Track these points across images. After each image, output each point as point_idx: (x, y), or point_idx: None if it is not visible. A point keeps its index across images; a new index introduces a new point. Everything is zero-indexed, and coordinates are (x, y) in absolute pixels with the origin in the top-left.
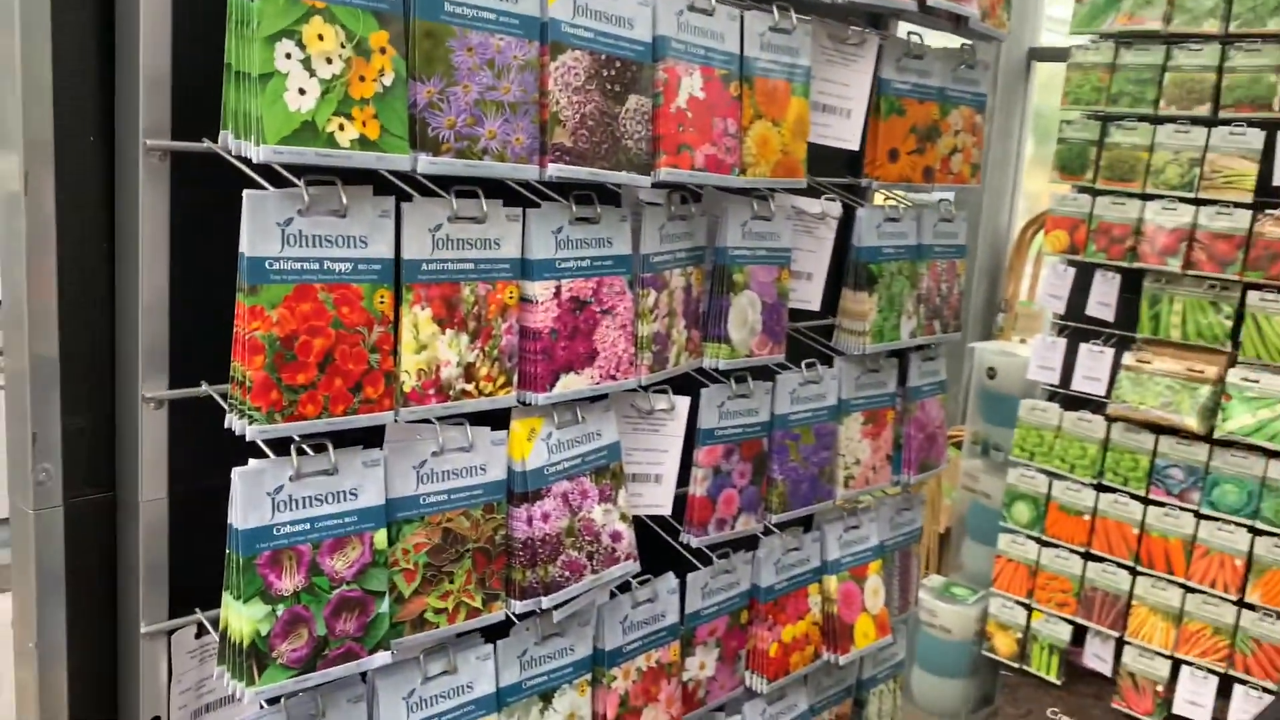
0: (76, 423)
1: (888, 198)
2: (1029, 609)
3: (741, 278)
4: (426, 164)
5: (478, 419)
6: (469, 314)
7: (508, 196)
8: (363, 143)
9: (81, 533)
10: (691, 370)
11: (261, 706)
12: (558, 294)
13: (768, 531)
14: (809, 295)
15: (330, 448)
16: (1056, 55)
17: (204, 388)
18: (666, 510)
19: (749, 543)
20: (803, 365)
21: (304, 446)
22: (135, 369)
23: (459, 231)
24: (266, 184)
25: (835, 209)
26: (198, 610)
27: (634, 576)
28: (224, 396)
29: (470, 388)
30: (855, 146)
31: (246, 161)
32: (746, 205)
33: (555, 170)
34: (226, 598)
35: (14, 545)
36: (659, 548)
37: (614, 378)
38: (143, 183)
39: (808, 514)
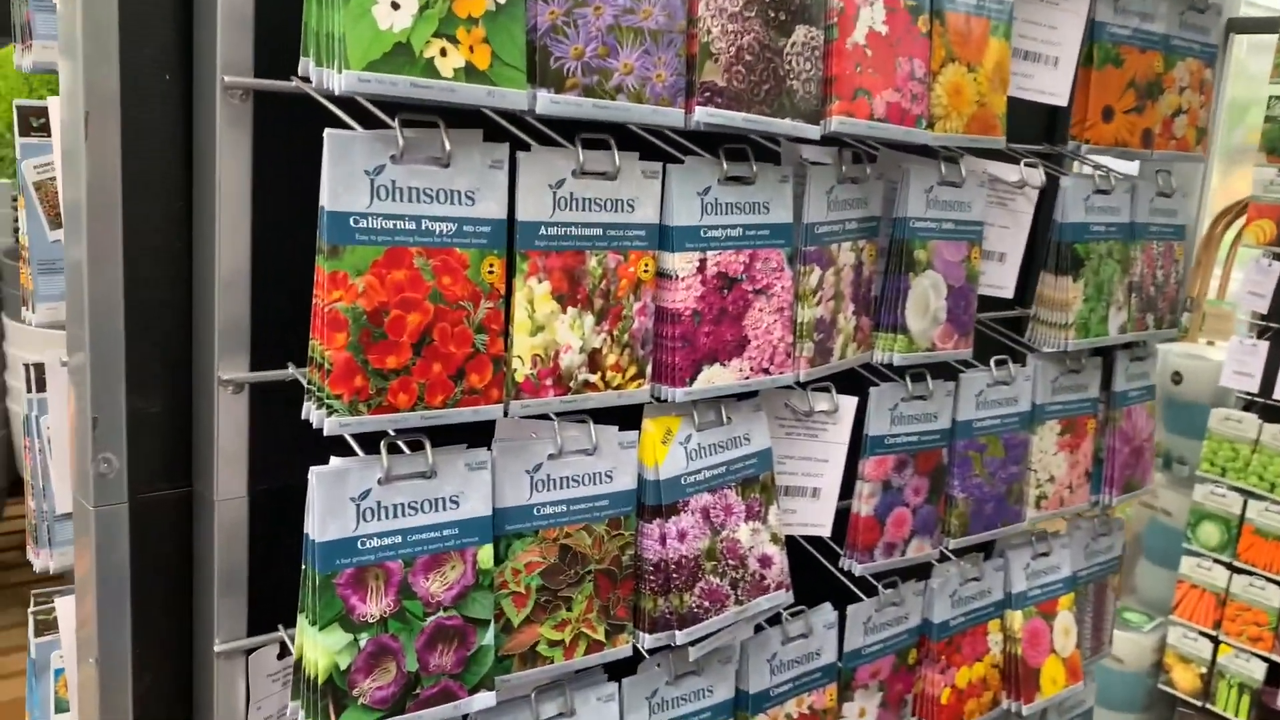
0: (146, 406)
1: (1096, 167)
2: (1215, 641)
3: (924, 255)
4: (547, 102)
5: (602, 416)
6: (595, 290)
7: (643, 148)
8: (469, 73)
9: (152, 534)
10: (859, 366)
11: None
12: (702, 268)
13: (943, 558)
14: (1002, 279)
15: (428, 446)
16: (1262, 26)
17: (290, 370)
18: (825, 531)
19: (920, 571)
20: (991, 363)
21: (399, 443)
22: (209, 348)
23: (586, 189)
24: (355, 125)
25: (1037, 177)
26: (280, 628)
27: (786, 608)
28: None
29: (595, 379)
30: (1064, 101)
31: (330, 96)
32: (933, 167)
33: (704, 115)
34: (301, 622)
35: (76, 546)
36: (814, 574)
37: (767, 371)
38: (220, 127)
39: (990, 539)
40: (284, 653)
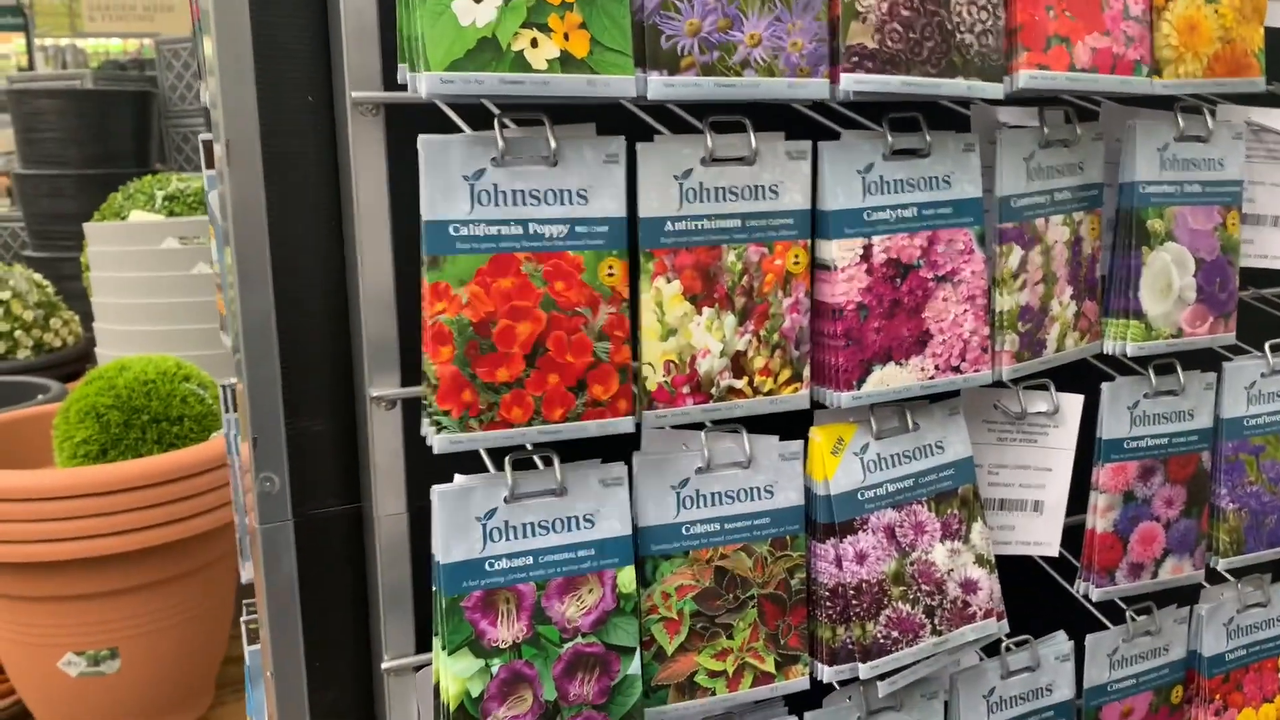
0: (310, 425)
1: None
2: None
3: (1160, 225)
4: (660, 86)
5: (760, 426)
6: (735, 287)
7: (788, 125)
8: (565, 62)
9: (324, 550)
10: (1089, 357)
11: None
12: (867, 256)
13: (1214, 579)
14: (1273, 248)
15: (556, 461)
16: None
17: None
18: (1052, 550)
19: (1185, 595)
20: (1266, 348)
21: (535, 459)
22: (361, 365)
23: (718, 178)
24: (466, 128)
25: None
26: None
27: (1007, 637)
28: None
29: (741, 384)
30: None
31: (452, 104)
32: (1167, 121)
33: (852, 83)
34: (435, 647)
35: (252, 563)
36: (1046, 600)
37: (957, 369)
38: (353, 144)
39: (1276, 558)
40: None
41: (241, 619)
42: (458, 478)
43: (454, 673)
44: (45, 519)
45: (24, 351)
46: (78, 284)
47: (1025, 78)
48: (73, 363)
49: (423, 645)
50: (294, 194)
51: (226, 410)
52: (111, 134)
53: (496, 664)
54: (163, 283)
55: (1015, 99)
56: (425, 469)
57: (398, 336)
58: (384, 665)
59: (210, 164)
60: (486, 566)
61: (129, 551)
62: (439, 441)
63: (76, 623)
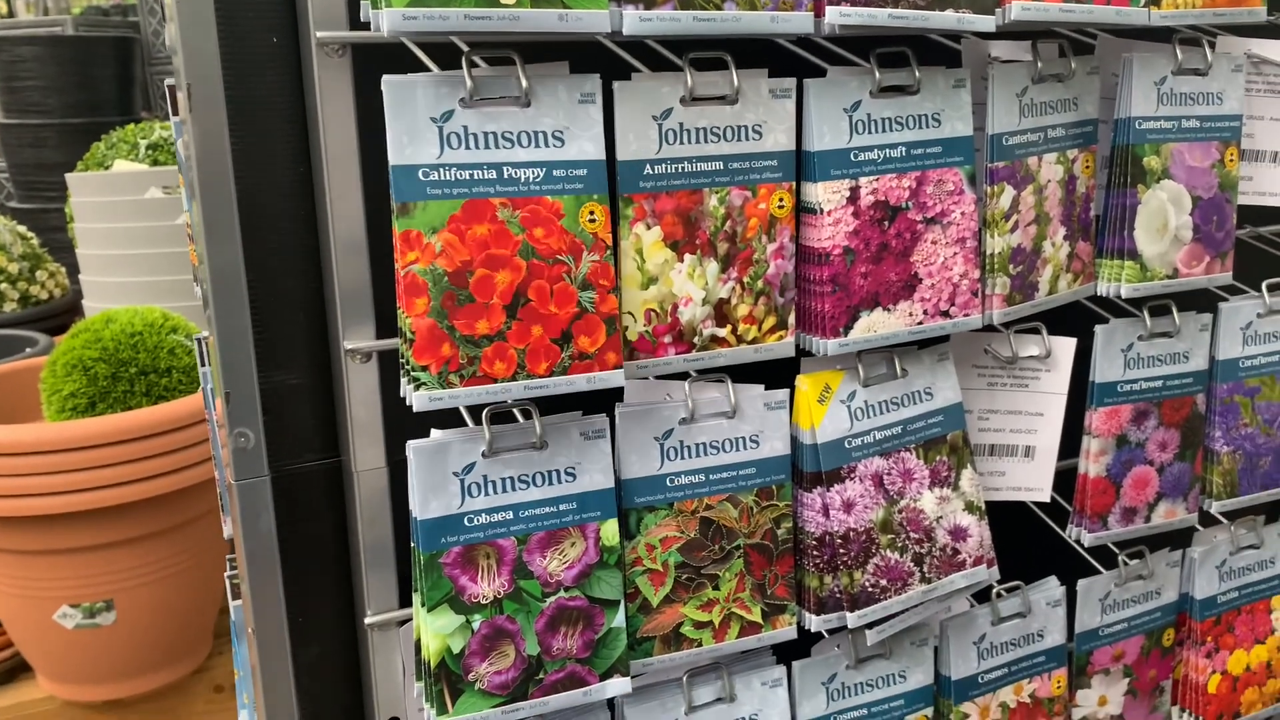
0: (286, 379)
1: None
2: None
3: (1156, 162)
4: (636, 21)
5: (743, 375)
6: (717, 232)
7: (772, 62)
8: None
9: (300, 505)
10: (1083, 299)
11: None
12: (854, 198)
13: (1206, 522)
14: (1272, 185)
15: (535, 413)
16: None
17: None
18: (1044, 495)
19: (1178, 539)
20: (1264, 288)
21: (514, 412)
22: (335, 317)
23: (699, 118)
24: (435, 67)
25: None
26: None
27: (998, 583)
28: None
29: (725, 333)
30: None
31: (420, 44)
32: (1164, 54)
33: (837, 17)
34: (415, 603)
35: (230, 519)
36: (1037, 546)
37: (946, 314)
38: (320, 86)
39: (1272, 500)
40: None
41: (225, 574)
42: (434, 432)
43: (434, 629)
44: (36, 473)
45: (10, 305)
46: (64, 235)
47: (1018, 9)
48: (60, 315)
49: (405, 600)
50: (261, 140)
51: (202, 364)
52: (94, 81)
53: (478, 619)
54: (147, 233)
55: (1007, 32)
56: (404, 422)
57: (371, 287)
58: (367, 621)
59: (176, 110)
60: (465, 522)
61: (121, 504)
62: (418, 399)
63: (71, 575)
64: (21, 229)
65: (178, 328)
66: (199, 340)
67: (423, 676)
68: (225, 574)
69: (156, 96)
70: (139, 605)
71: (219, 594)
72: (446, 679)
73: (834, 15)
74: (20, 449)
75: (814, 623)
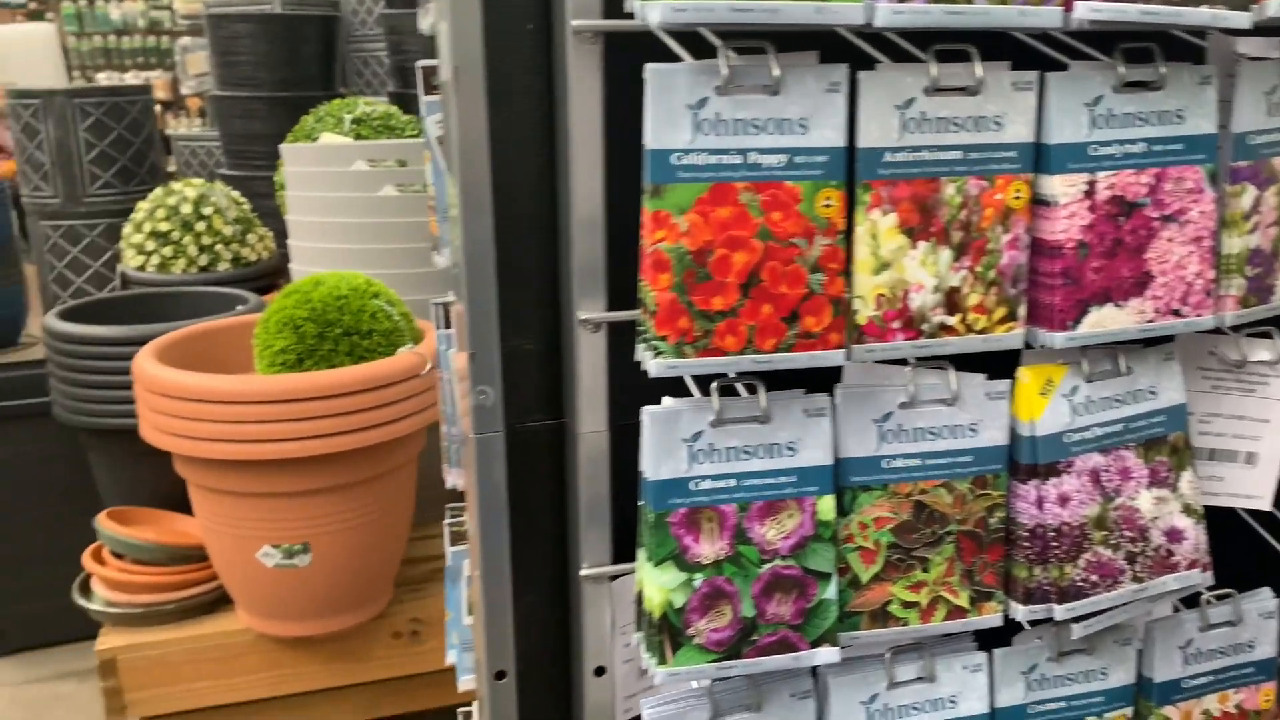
0: (522, 343)
1: None
2: None
3: None
4: (888, 14)
5: (966, 364)
6: (953, 221)
7: (1016, 55)
8: None
9: (527, 461)
10: None
11: (693, 685)
12: (1090, 192)
13: None
14: None
15: (761, 389)
16: None
17: (641, 311)
18: (1263, 503)
19: None
20: None
21: (737, 386)
22: (570, 288)
23: (940, 108)
24: (688, 56)
25: None
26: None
27: (1208, 590)
28: None
29: (954, 321)
30: None
31: (671, 32)
32: None
33: (1087, 12)
34: (640, 557)
35: (464, 469)
36: (1253, 554)
37: (1177, 313)
38: (571, 72)
39: None
40: None
41: (445, 522)
42: (665, 400)
43: (659, 583)
44: (247, 420)
45: (223, 264)
46: (269, 201)
47: (1276, 6)
48: (266, 276)
49: (618, 556)
50: (514, 122)
51: (438, 326)
52: (300, 58)
53: (699, 578)
54: (350, 203)
55: (1263, 28)
56: (627, 389)
57: (605, 262)
58: (582, 572)
59: (429, 90)
60: (691, 486)
61: (321, 455)
62: (655, 366)
63: (273, 518)
64: (235, 194)
65: (379, 293)
66: (438, 305)
67: (643, 628)
68: (445, 522)
69: (352, 73)
70: (332, 550)
71: (402, 546)
72: (668, 631)
73: (1084, 10)
74: (235, 398)
75: (1020, 613)
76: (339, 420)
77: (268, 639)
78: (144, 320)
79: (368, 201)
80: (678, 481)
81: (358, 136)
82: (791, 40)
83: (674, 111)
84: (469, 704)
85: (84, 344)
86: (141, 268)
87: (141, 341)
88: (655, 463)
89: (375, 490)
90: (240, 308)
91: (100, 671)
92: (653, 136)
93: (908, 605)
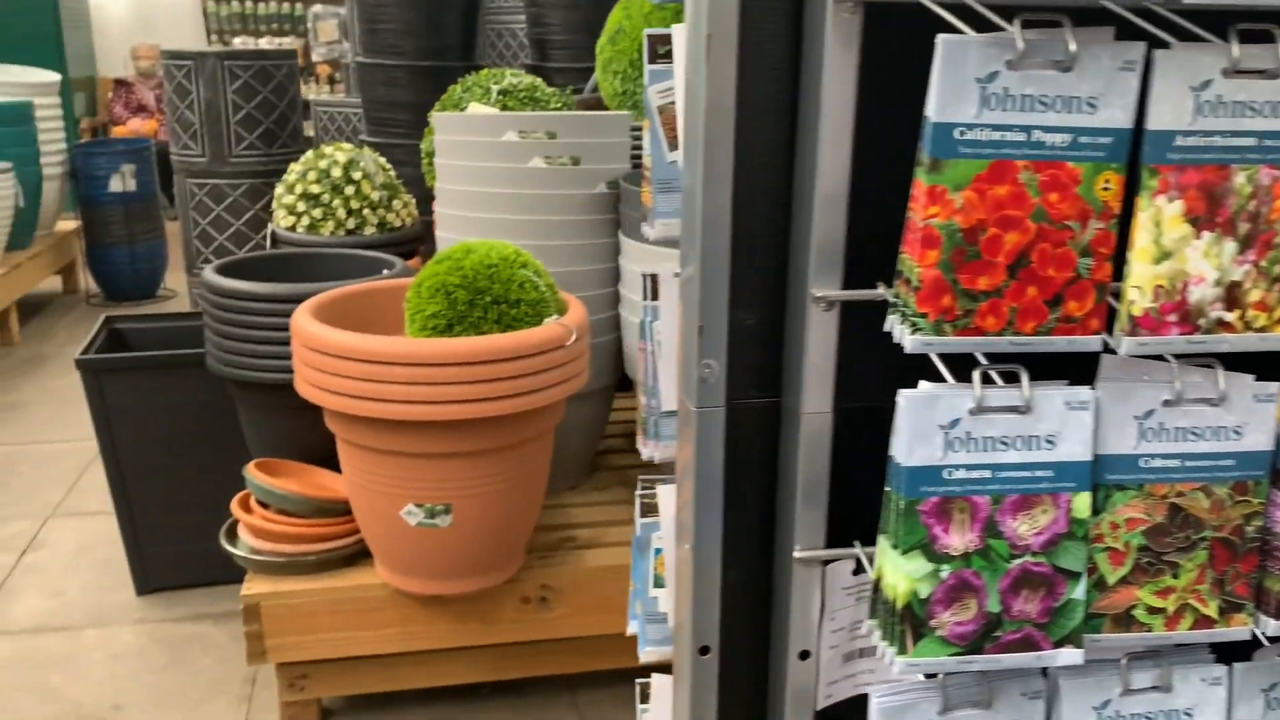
0: (745, 319)
1: None
2: None
3: None
4: None
5: (1233, 362)
6: (1240, 211)
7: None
8: None
9: (743, 438)
10: None
11: (923, 678)
12: None
13: None
14: None
15: (1024, 378)
16: None
17: (880, 290)
18: None
19: None
20: None
21: (991, 374)
22: (803, 264)
23: (1238, 91)
24: (968, 30)
25: None
26: (857, 544)
27: None
28: None
29: (1232, 317)
30: None
31: (944, 4)
32: None
33: None
34: (882, 543)
35: (679, 440)
36: None
37: None
38: (828, 43)
39: None
40: (859, 569)
41: (636, 493)
42: (922, 384)
43: (905, 572)
44: (400, 381)
45: (369, 229)
46: (408, 169)
47: None
48: (410, 242)
49: (833, 540)
50: (760, 92)
51: (645, 298)
52: (443, 28)
53: (946, 570)
54: (499, 173)
55: None
56: (853, 371)
57: (845, 238)
58: (795, 555)
59: (654, 59)
60: (945, 474)
61: (467, 419)
62: (912, 341)
63: (418, 478)
64: (382, 161)
65: (527, 263)
66: (647, 276)
67: (880, 615)
68: (637, 493)
69: (485, 45)
70: (473, 512)
71: (537, 512)
72: (910, 621)
73: None
74: (390, 359)
75: (1271, 627)
76: (488, 386)
77: (402, 595)
78: (292, 279)
79: (515, 172)
80: (931, 469)
81: (503, 107)
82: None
83: (962, 84)
84: (645, 675)
85: (240, 299)
86: (291, 228)
87: (296, 300)
88: (909, 448)
89: (516, 456)
90: (386, 272)
91: (244, 616)
92: (937, 109)
93: (1153, 611)
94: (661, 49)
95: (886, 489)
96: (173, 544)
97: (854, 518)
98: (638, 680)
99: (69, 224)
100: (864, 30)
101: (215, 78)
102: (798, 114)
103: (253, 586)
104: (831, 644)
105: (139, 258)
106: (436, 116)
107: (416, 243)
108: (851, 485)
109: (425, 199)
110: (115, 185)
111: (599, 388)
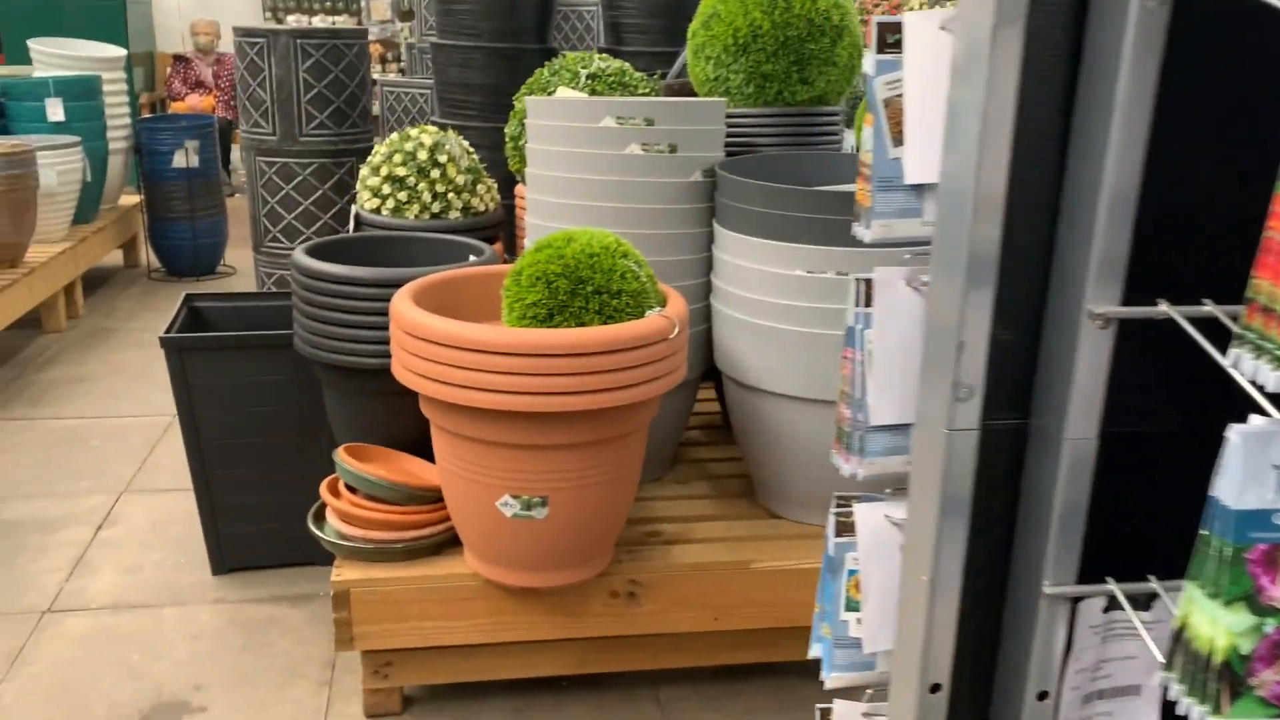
0: (1000, 336)
1: None
2: None
3: None
4: None
5: None
6: None
7: None
8: None
9: (993, 463)
10: None
11: None
12: None
13: None
14: None
15: None
16: None
17: (1162, 307)
18: None
19: None
20: None
21: None
22: (1078, 278)
23: None
24: None
25: None
26: (1109, 580)
27: None
28: (1192, 320)
29: None
30: None
31: None
32: None
33: None
34: (1193, 590)
35: (916, 461)
36: None
37: None
38: (1130, 37)
39: None
40: (1110, 606)
41: (831, 510)
42: (1253, 419)
43: (1225, 625)
44: (499, 371)
45: (454, 213)
46: (481, 151)
47: None
48: (492, 227)
49: (1085, 575)
50: (1035, 88)
51: (857, 304)
52: (519, 10)
53: (1271, 625)
54: (595, 160)
55: None
56: (1124, 395)
57: (1130, 249)
58: (1045, 590)
59: (882, 49)
60: (1275, 520)
61: (568, 412)
62: (1275, 379)
63: (515, 469)
64: (466, 144)
65: (627, 253)
66: (859, 280)
67: (1185, 669)
68: (832, 510)
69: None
70: (569, 505)
71: (629, 507)
72: (1229, 679)
73: None
74: (491, 348)
75: None
76: (592, 379)
77: (492, 586)
78: (380, 262)
79: (611, 159)
80: (1262, 513)
81: (592, 92)
82: None
83: None
84: (828, 703)
85: (333, 282)
86: (376, 210)
87: (390, 284)
88: (1238, 489)
89: (613, 450)
90: (474, 258)
91: (334, 602)
92: None
93: None
94: (891, 38)
95: (1203, 531)
96: (250, 524)
97: (1109, 551)
98: (818, 706)
99: (131, 199)
100: (1172, 25)
101: (288, 56)
102: (1072, 113)
103: (343, 573)
104: (1074, 685)
105: (200, 233)
106: (529, 100)
107: (498, 228)
108: (1110, 517)
109: (503, 183)
110: (179, 161)
111: (687, 380)
